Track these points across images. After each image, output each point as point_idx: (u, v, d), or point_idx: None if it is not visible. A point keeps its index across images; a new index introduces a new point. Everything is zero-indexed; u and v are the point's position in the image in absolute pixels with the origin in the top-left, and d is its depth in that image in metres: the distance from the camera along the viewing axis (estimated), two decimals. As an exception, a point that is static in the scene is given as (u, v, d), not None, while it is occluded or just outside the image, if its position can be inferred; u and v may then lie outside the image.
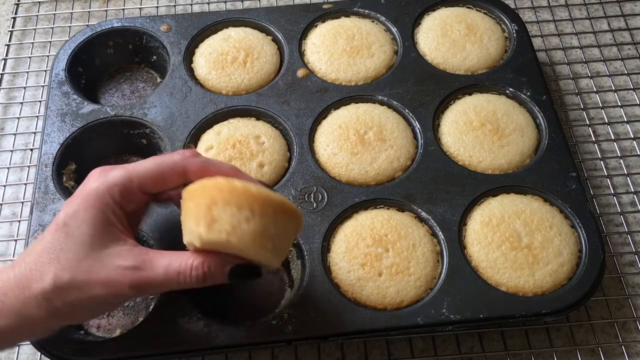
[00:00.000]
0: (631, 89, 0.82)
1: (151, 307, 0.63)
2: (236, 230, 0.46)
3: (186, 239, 0.49)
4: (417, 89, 0.74)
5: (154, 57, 0.80)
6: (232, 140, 0.69)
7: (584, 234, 0.64)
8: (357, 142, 0.69)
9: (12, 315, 0.47)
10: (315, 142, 0.71)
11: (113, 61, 0.81)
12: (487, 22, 0.80)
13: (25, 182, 0.74)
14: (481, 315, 0.59)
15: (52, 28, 0.88)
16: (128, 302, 0.64)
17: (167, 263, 0.48)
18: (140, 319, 0.63)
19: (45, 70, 0.83)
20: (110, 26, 0.79)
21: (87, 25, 0.84)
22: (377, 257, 0.62)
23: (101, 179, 0.50)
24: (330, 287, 0.60)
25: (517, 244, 0.63)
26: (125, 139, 0.73)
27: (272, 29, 0.79)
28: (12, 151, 0.76)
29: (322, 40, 0.78)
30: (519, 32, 0.79)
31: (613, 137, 0.77)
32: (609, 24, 0.87)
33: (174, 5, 0.90)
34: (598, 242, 0.63)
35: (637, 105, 0.80)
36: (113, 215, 0.49)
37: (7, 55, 0.85)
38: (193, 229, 0.48)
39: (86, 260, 0.47)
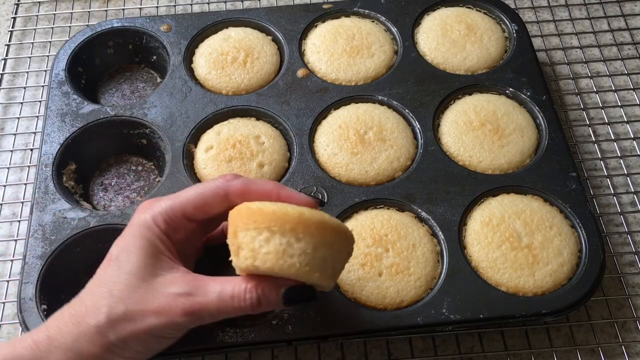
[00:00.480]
0: (631, 89, 0.82)
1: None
2: (257, 254, 0.45)
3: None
4: (417, 89, 0.74)
5: (154, 57, 0.80)
6: (232, 140, 0.69)
7: (584, 234, 0.64)
8: (357, 142, 0.69)
9: (66, 351, 0.46)
10: (315, 142, 0.71)
11: (113, 61, 0.81)
12: (487, 22, 0.80)
13: (25, 182, 0.74)
14: (481, 315, 0.59)
15: (52, 28, 0.88)
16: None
17: (220, 288, 0.47)
18: (140, 319, 0.63)
19: (45, 70, 0.83)
20: (110, 26, 0.79)
21: (87, 25, 0.84)
22: (377, 257, 0.62)
23: (147, 210, 0.50)
24: (330, 287, 0.60)
25: (517, 244, 0.63)
26: (125, 139, 0.73)
27: (272, 29, 0.79)
28: (12, 151, 0.76)
29: (322, 40, 0.78)
30: (519, 32, 0.79)
31: (613, 137, 0.77)
32: (609, 24, 0.87)
33: (174, 5, 0.90)
34: (598, 242, 0.63)
35: (637, 105, 0.80)
36: (161, 244, 0.49)
37: (7, 55, 0.85)
38: (231, 258, 0.48)
39: (138, 290, 0.47)
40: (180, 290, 0.47)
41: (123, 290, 0.47)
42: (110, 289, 0.47)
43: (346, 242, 0.49)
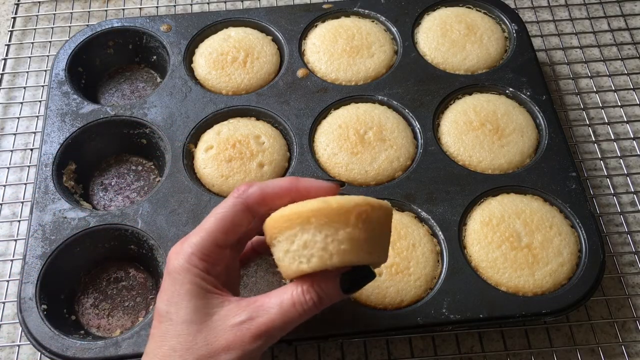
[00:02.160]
0: (631, 88, 0.82)
1: (151, 307, 0.63)
2: (303, 254, 0.44)
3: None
4: (417, 89, 0.74)
5: (154, 57, 0.80)
6: (232, 140, 0.69)
7: (584, 234, 0.64)
8: (357, 142, 0.69)
9: None
10: (315, 142, 0.71)
11: (113, 61, 0.81)
12: (487, 22, 0.80)
13: (25, 182, 0.74)
14: (481, 315, 0.59)
15: (52, 28, 0.88)
16: (128, 302, 0.64)
17: (279, 300, 0.46)
18: (141, 319, 0.63)
19: (45, 70, 0.83)
20: (110, 26, 0.79)
21: (87, 25, 0.84)
22: (377, 257, 0.62)
23: (179, 255, 0.48)
24: (330, 287, 0.60)
25: (517, 244, 0.63)
26: (125, 139, 0.73)
27: (272, 29, 0.79)
28: (12, 151, 0.76)
29: (322, 40, 0.78)
30: (519, 32, 0.79)
31: (613, 137, 0.77)
32: (608, 24, 0.87)
33: (174, 5, 0.90)
34: (598, 242, 0.63)
35: (637, 105, 0.80)
36: (205, 282, 0.47)
37: (7, 55, 0.85)
38: (278, 268, 0.47)
39: (200, 334, 0.46)
40: (241, 318, 0.46)
41: (185, 341, 0.45)
42: (172, 345, 0.46)
43: (384, 213, 0.47)
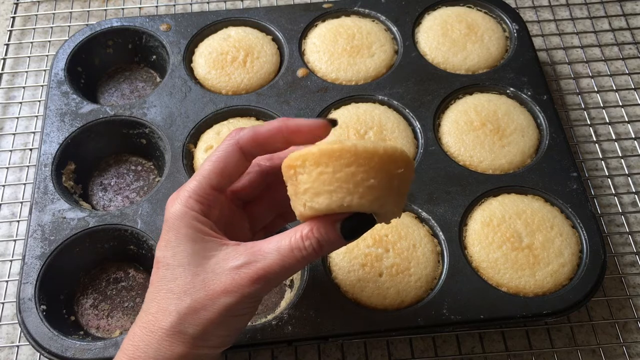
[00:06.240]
0: (632, 88, 0.81)
1: (151, 307, 0.63)
2: (306, 197, 0.44)
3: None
4: (417, 89, 0.74)
5: (154, 57, 0.80)
6: (232, 140, 0.69)
7: (585, 234, 0.63)
8: (358, 142, 0.69)
9: None
10: (315, 142, 0.71)
11: (112, 61, 0.81)
12: (488, 22, 0.80)
13: (24, 182, 0.74)
14: (482, 316, 0.59)
15: (52, 27, 0.88)
16: (127, 302, 0.64)
17: (277, 245, 0.45)
18: (140, 320, 0.62)
19: (45, 70, 0.83)
20: (109, 25, 0.78)
21: (87, 25, 0.84)
22: (377, 258, 0.62)
23: (175, 201, 0.48)
24: (331, 288, 0.60)
25: (517, 244, 0.63)
26: (125, 139, 0.73)
27: (272, 29, 0.79)
28: (11, 151, 0.76)
29: (322, 39, 0.78)
30: (520, 32, 0.79)
31: (614, 137, 0.77)
32: (609, 24, 0.87)
33: (174, 5, 0.90)
34: (599, 242, 0.63)
35: (638, 105, 0.80)
36: (203, 225, 0.47)
37: (6, 54, 0.85)
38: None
39: (197, 278, 0.46)
40: (239, 262, 0.45)
41: (182, 284, 0.46)
42: (169, 288, 0.46)
43: (400, 165, 0.45)
